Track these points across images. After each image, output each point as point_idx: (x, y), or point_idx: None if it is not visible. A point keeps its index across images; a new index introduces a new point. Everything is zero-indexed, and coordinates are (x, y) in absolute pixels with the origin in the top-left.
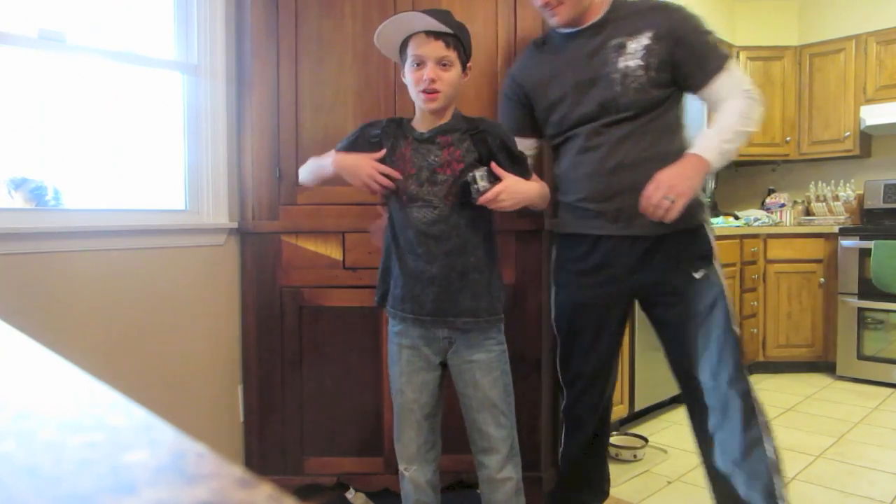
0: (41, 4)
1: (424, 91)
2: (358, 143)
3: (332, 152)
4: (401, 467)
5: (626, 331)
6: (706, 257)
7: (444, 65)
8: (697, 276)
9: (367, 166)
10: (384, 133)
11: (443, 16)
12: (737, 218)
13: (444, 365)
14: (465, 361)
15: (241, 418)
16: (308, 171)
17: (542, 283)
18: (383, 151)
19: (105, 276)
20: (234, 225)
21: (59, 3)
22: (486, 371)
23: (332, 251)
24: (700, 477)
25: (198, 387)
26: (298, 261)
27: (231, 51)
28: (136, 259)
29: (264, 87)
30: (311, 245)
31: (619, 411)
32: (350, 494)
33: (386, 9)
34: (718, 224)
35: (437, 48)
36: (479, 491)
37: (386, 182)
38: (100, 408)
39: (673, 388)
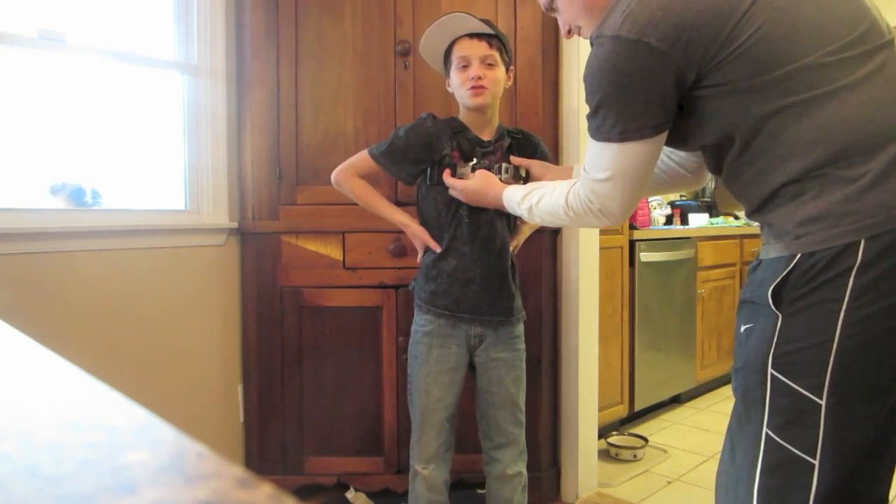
0: (41, 4)
1: (471, 87)
2: (400, 155)
3: (366, 187)
4: (417, 467)
5: (630, 332)
6: None
7: (490, 64)
8: None
9: (420, 238)
10: (443, 140)
11: (484, 21)
12: (737, 218)
13: (469, 364)
14: (491, 359)
15: (241, 418)
16: (359, 198)
17: (542, 282)
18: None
19: (105, 276)
20: (234, 225)
21: (59, 3)
22: (509, 369)
23: (332, 251)
24: (699, 477)
25: (198, 387)
26: (298, 261)
27: (231, 51)
28: (136, 259)
29: (264, 87)
30: (311, 245)
31: (619, 411)
32: (350, 494)
33: (386, 9)
34: (718, 224)
35: (482, 48)
36: (480, 491)
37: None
38: (100, 408)
39: (673, 388)
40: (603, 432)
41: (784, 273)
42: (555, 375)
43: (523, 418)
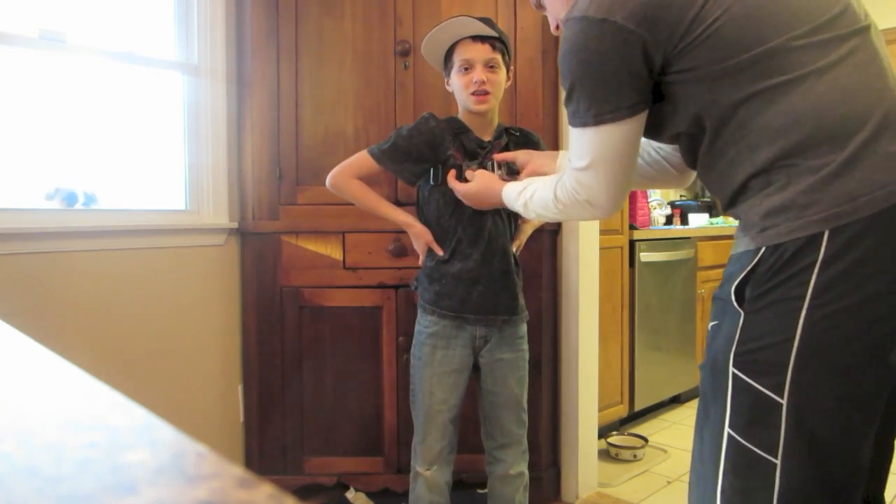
0: (41, 4)
1: (474, 93)
2: (403, 155)
3: (366, 188)
4: (419, 468)
5: (630, 332)
6: None
7: (492, 67)
8: None
9: (423, 240)
10: (446, 140)
11: (487, 21)
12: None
13: (474, 366)
14: (496, 360)
15: (241, 418)
16: (359, 200)
17: (542, 282)
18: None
19: (105, 276)
20: (234, 225)
21: (59, 3)
22: (513, 370)
23: (332, 251)
24: None
25: (198, 387)
26: (298, 261)
27: (231, 51)
28: (137, 259)
29: (264, 87)
30: (311, 245)
31: (618, 411)
32: (350, 494)
33: (386, 9)
34: (718, 224)
35: (485, 51)
36: (480, 491)
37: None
38: (100, 408)
39: (673, 388)
40: (603, 432)
41: (748, 268)
42: (555, 375)
43: (526, 418)
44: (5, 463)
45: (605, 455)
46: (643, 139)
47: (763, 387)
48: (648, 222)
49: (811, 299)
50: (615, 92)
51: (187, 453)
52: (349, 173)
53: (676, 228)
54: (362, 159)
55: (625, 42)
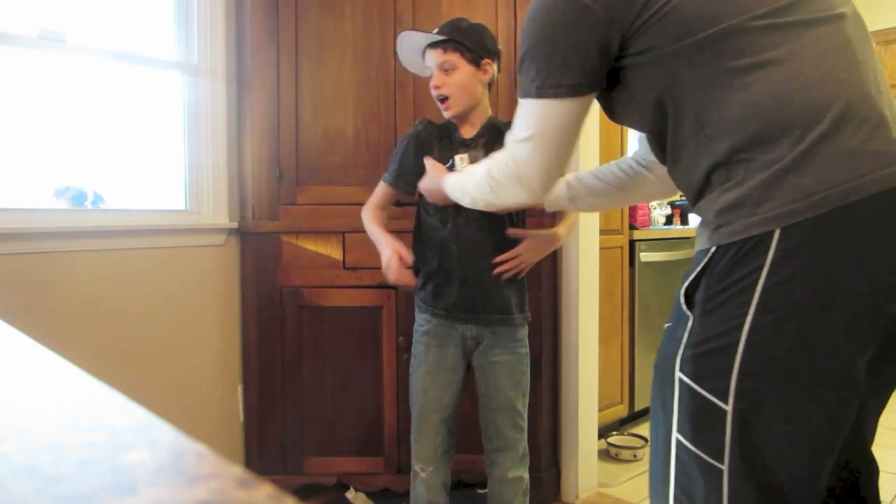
0: (41, 4)
1: (438, 100)
2: (404, 166)
3: (373, 217)
4: (416, 467)
5: (630, 332)
6: None
7: (446, 70)
8: None
9: (390, 253)
10: (433, 144)
11: (445, 26)
12: None
13: (468, 367)
14: (490, 362)
15: (241, 418)
16: (367, 229)
17: (542, 282)
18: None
19: (105, 276)
20: (234, 225)
21: (59, 3)
22: (508, 373)
23: (332, 251)
24: None
25: (198, 387)
26: (298, 261)
27: (231, 51)
28: (136, 259)
29: (264, 87)
30: (311, 245)
31: (618, 411)
32: (350, 494)
33: (386, 9)
34: None
35: (436, 56)
36: (480, 490)
37: (401, 277)
38: (100, 408)
39: None
40: (603, 432)
41: (698, 270)
42: (555, 375)
43: (523, 423)
44: (5, 463)
45: (605, 455)
46: (641, 152)
47: (707, 392)
48: (648, 222)
49: (758, 304)
50: (560, 67)
51: (187, 453)
52: (368, 203)
53: (676, 228)
54: (378, 188)
55: (580, 17)
